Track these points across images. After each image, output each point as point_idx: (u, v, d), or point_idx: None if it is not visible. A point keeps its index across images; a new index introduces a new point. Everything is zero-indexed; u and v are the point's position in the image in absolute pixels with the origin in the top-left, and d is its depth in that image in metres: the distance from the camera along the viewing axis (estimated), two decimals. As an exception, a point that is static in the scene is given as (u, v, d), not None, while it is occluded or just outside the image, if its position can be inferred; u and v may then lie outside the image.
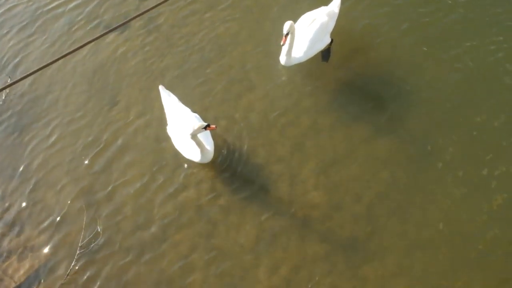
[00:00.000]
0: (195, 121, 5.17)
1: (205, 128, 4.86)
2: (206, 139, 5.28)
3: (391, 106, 5.58)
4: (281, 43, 5.38)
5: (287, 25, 5.31)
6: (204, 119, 5.51)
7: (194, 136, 4.93)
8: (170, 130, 5.50)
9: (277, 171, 5.33)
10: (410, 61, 5.89)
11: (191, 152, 5.29)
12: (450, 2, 6.26)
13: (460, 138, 5.26)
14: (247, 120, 5.71)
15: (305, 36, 5.70)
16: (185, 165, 5.51)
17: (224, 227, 5.08)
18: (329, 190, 5.13)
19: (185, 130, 5.11)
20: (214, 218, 5.15)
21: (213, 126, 4.90)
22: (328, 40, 5.88)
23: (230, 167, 5.46)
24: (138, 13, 3.46)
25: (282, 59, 5.75)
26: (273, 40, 6.17)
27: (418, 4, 6.31)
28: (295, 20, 5.80)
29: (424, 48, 5.92)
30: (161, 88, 5.63)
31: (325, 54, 5.97)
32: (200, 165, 5.49)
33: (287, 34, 5.34)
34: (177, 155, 5.53)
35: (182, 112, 5.41)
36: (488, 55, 5.80)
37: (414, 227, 4.83)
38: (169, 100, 5.56)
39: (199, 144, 5.06)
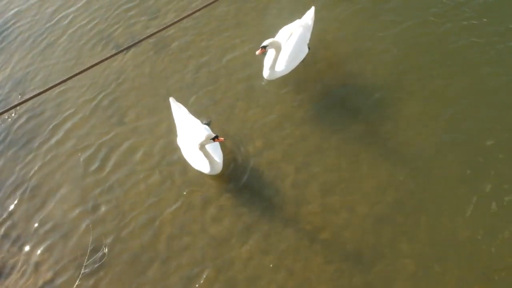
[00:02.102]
0: (204, 132, 5.21)
1: (213, 139, 4.92)
2: (215, 150, 5.33)
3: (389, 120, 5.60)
4: (256, 53, 5.58)
5: (268, 41, 5.56)
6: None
7: (202, 147, 4.98)
8: (180, 141, 5.56)
9: (283, 188, 5.31)
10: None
11: (200, 163, 5.33)
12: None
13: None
14: (253, 137, 5.74)
15: (285, 50, 5.89)
16: (192, 181, 5.51)
17: (228, 247, 5.04)
18: (335, 208, 5.09)
19: (194, 141, 5.15)
20: (219, 236, 5.12)
21: (221, 138, 4.96)
22: (306, 50, 6.09)
23: (237, 180, 5.46)
24: (148, 33, 3.51)
25: (266, 73, 5.94)
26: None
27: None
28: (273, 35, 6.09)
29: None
30: (171, 100, 5.71)
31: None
32: (207, 179, 5.50)
33: (264, 46, 5.53)
34: (184, 171, 5.57)
35: (192, 123, 5.47)
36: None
37: (421, 247, 4.75)
38: (179, 112, 5.63)
39: (207, 155, 5.10)
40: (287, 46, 5.92)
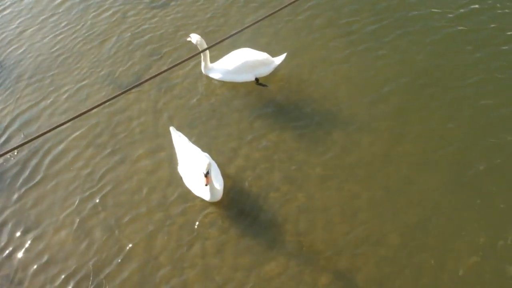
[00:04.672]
0: (205, 159, 5.25)
1: (204, 174, 4.99)
2: (216, 177, 5.42)
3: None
4: (187, 39, 6.55)
5: (194, 35, 6.39)
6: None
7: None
8: (181, 169, 5.67)
9: (285, 218, 5.34)
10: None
11: (201, 190, 5.40)
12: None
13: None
14: (254, 168, 5.83)
15: (230, 62, 6.55)
16: (195, 221, 5.46)
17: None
18: (341, 247, 5.05)
19: (198, 167, 5.24)
20: (221, 274, 5.04)
21: (207, 179, 5.02)
22: (251, 78, 6.60)
23: (238, 208, 5.48)
24: (152, 74, 3.57)
25: (202, 66, 6.75)
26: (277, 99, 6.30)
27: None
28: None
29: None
30: (172, 129, 5.85)
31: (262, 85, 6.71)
32: (207, 208, 5.51)
33: (189, 39, 6.45)
34: (185, 210, 5.55)
35: (192, 151, 5.58)
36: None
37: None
38: (179, 141, 5.75)
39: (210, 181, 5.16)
40: (233, 61, 6.50)
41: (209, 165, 5.06)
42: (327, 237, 5.12)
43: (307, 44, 7.17)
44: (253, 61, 6.47)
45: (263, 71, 6.59)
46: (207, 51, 6.49)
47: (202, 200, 5.53)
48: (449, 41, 6.85)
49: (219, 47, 6.89)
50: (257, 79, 6.64)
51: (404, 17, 7.23)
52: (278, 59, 6.61)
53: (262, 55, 6.51)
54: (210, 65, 6.71)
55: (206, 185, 5.07)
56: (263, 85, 6.65)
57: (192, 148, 5.67)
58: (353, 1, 7.61)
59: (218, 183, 5.42)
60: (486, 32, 6.88)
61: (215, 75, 6.72)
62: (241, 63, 6.48)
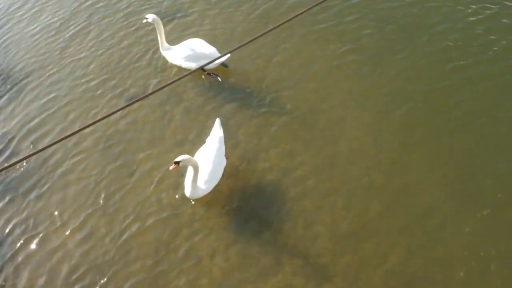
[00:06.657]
0: (187, 156, 5.22)
1: (175, 161, 4.94)
2: (207, 177, 5.29)
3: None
4: (143, 21, 6.98)
5: (148, 16, 6.84)
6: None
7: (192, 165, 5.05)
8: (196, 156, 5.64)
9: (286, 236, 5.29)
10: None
11: (186, 183, 5.37)
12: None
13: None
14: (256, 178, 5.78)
15: (181, 48, 6.93)
16: (198, 236, 5.45)
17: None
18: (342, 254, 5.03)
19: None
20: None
21: (174, 166, 4.97)
22: (195, 68, 6.81)
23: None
24: (160, 86, 3.60)
25: (159, 45, 7.22)
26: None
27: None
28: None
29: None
30: (217, 120, 5.80)
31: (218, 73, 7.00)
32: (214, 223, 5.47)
33: (145, 21, 6.90)
34: (190, 220, 5.55)
35: (211, 148, 5.47)
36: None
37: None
38: (215, 133, 5.67)
39: (194, 176, 5.10)
40: (184, 47, 6.88)
41: (186, 161, 4.94)
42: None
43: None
44: (199, 53, 6.75)
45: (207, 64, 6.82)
46: (162, 31, 6.95)
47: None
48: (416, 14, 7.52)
49: (178, 33, 7.76)
50: (203, 69, 6.96)
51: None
52: (224, 57, 6.61)
53: (210, 49, 6.78)
54: (166, 45, 7.13)
55: (169, 169, 5.07)
56: (213, 75, 6.93)
57: (219, 145, 5.52)
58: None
59: (205, 184, 5.28)
60: (449, 7, 7.54)
61: (168, 57, 7.18)
62: (188, 51, 6.85)
